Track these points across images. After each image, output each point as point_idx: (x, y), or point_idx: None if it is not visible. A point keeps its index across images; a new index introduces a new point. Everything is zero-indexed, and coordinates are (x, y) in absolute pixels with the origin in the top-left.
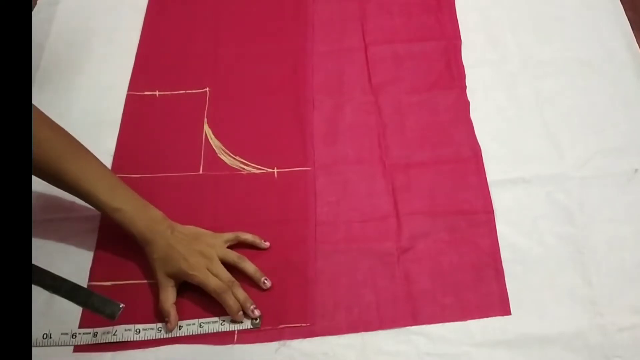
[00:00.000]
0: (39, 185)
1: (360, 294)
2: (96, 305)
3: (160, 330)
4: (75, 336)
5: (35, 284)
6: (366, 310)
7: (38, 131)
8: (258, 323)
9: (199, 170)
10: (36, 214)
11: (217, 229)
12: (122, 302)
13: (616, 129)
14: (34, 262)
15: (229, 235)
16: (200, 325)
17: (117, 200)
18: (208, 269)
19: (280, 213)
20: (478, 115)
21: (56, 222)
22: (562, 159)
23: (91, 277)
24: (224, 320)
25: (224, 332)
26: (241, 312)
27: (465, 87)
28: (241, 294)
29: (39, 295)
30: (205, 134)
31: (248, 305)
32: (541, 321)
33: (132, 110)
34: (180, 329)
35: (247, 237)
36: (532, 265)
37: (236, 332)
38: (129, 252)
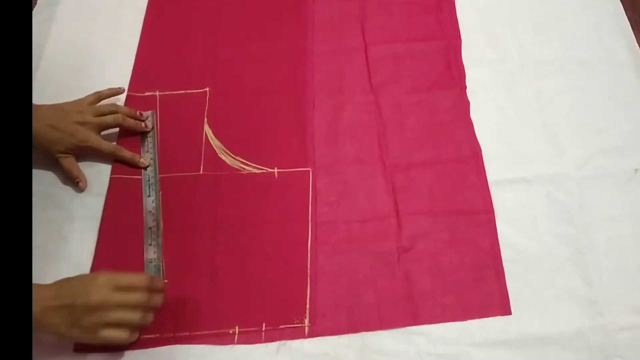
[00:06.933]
0: (39, 185)
1: (360, 294)
2: None
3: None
4: None
5: None
6: (366, 310)
7: None
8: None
9: (199, 170)
10: (36, 214)
11: (217, 228)
12: None
13: (616, 129)
14: (34, 262)
15: (90, 98)
16: None
17: None
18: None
19: (280, 213)
20: (478, 115)
21: (56, 222)
22: (562, 159)
23: None
24: None
25: (225, 332)
26: (141, 159)
27: (465, 87)
28: (127, 153)
29: None
30: (206, 134)
31: (136, 159)
32: (541, 321)
33: None
34: None
35: (105, 92)
36: (532, 265)
37: (237, 332)
38: (129, 252)
